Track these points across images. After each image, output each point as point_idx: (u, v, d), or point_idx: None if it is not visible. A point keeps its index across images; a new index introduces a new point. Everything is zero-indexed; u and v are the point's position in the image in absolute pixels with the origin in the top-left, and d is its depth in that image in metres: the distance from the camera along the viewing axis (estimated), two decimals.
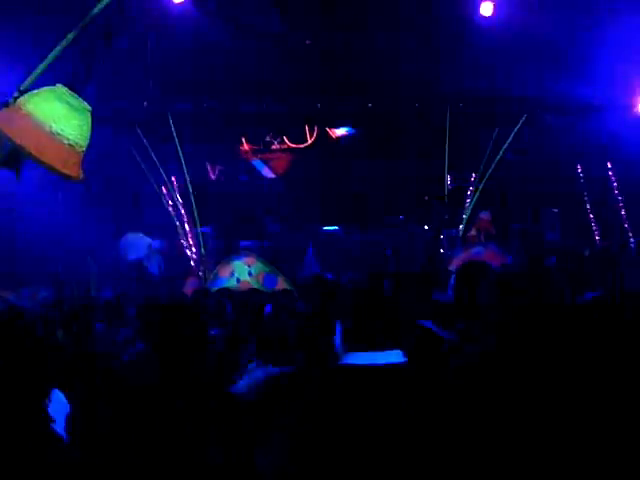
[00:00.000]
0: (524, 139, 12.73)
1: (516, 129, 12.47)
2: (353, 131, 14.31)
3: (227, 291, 7.07)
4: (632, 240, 12.93)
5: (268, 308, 5.59)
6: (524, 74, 11.47)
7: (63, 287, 7.92)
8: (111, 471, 2.56)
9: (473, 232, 12.78)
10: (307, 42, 11.35)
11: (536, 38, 10.83)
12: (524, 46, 10.93)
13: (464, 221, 13.36)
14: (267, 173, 14.60)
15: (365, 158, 13.91)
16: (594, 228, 13.73)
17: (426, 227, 13.85)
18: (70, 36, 3.93)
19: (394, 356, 2.33)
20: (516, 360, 2.57)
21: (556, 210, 13.71)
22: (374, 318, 2.38)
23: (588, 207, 13.87)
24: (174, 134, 11.80)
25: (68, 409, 3.18)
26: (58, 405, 3.16)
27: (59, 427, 3.05)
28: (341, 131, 14.31)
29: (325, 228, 14.16)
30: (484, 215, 12.82)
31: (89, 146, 3.55)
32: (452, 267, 10.22)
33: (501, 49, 10.96)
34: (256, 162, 14.53)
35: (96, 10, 4.00)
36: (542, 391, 2.47)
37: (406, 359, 2.35)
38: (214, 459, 2.57)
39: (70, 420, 3.11)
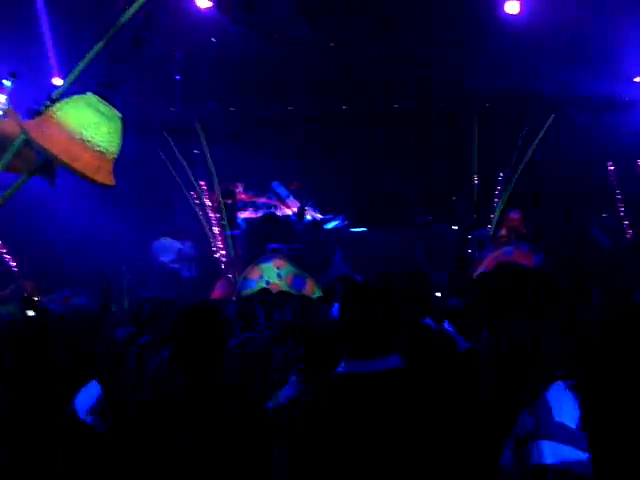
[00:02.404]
0: (553, 137, 12.60)
1: (545, 128, 12.37)
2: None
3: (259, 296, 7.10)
4: None
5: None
6: (552, 72, 11.36)
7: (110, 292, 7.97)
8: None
9: (503, 232, 12.69)
10: (331, 45, 11.36)
11: (563, 35, 10.73)
12: (551, 44, 10.82)
13: (494, 221, 13.26)
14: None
15: (392, 158, 13.87)
16: (625, 226, 13.53)
17: (455, 227, 13.77)
18: (100, 45, 4.00)
19: (391, 361, 2.30)
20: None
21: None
22: (369, 322, 2.34)
23: (620, 205, 13.67)
24: (202, 139, 11.91)
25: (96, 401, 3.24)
26: (88, 396, 3.22)
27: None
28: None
29: (353, 230, 14.15)
30: (514, 214, 12.72)
31: (120, 152, 3.61)
32: (483, 268, 10.17)
33: (528, 47, 10.85)
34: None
35: (124, 19, 4.06)
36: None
37: (404, 364, 2.32)
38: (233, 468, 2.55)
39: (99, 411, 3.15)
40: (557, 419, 1.87)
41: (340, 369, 2.33)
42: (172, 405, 2.56)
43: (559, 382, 1.96)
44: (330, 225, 14.33)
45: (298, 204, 14.29)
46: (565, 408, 1.89)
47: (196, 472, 2.49)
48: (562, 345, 2.66)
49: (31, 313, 6.24)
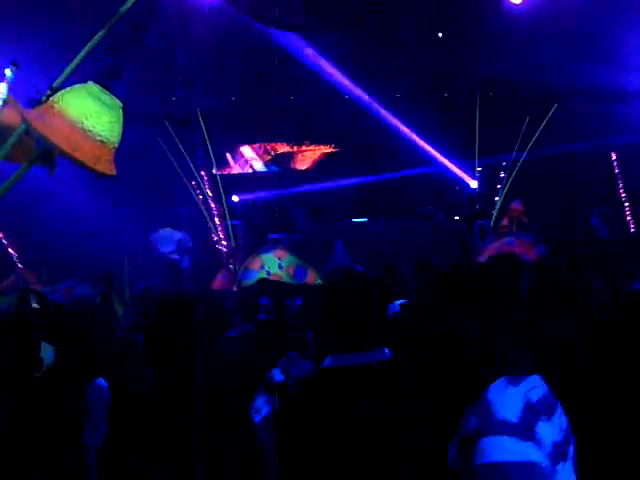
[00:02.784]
0: (556, 126, 12.57)
1: (548, 117, 12.34)
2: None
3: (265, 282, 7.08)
4: None
5: (298, 302, 5.57)
6: (555, 61, 11.32)
7: (112, 282, 7.93)
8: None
9: (505, 222, 12.66)
10: (332, 35, 11.32)
11: (567, 25, 10.69)
12: (555, 33, 10.78)
13: (496, 210, 13.25)
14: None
15: (394, 148, 13.84)
16: (628, 217, 13.50)
17: (457, 218, 13.76)
18: (100, 34, 3.96)
19: (380, 354, 2.28)
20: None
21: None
22: (357, 317, 2.32)
23: (623, 196, 13.65)
24: (203, 129, 11.87)
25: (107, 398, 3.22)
26: (98, 393, 3.20)
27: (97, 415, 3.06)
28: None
29: (354, 220, 14.13)
30: (516, 204, 12.69)
31: (121, 142, 3.59)
32: (483, 258, 10.15)
33: (532, 36, 10.82)
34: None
35: (125, 7, 4.02)
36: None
37: (392, 355, 2.30)
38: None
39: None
40: (498, 416, 1.85)
41: (328, 362, 2.30)
42: (144, 401, 2.49)
43: (501, 379, 1.94)
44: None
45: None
46: (507, 404, 1.87)
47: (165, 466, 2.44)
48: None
49: (35, 305, 6.22)
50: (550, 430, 1.86)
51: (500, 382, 1.94)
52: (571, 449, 1.94)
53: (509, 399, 1.88)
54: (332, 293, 2.41)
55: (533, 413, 1.86)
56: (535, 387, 1.93)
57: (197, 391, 2.58)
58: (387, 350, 2.31)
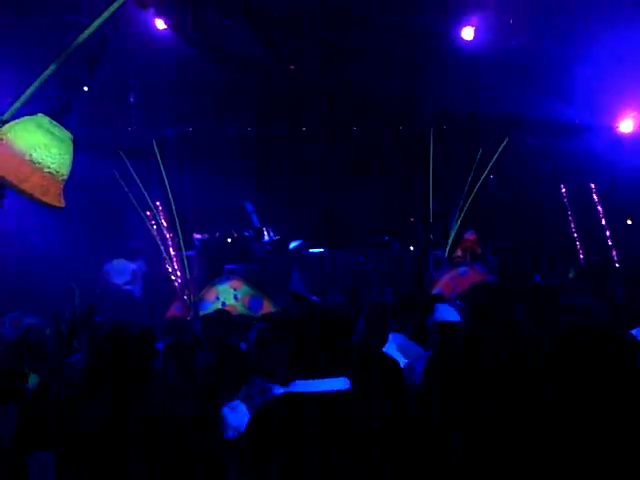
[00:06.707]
0: (508, 160, 12.82)
1: (499, 151, 12.58)
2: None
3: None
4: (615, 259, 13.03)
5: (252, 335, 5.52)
6: (506, 96, 11.60)
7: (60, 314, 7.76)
8: None
9: (459, 252, 12.80)
10: (291, 67, 11.43)
11: (518, 61, 10.99)
12: (506, 69, 11.06)
13: (449, 241, 13.38)
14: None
15: (350, 180, 13.96)
16: (578, 248, 13.79)
17: (411, 248, 13.87)
18: (53, 66, 3.94)
19: (340, 383, 2.31)
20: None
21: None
22: (320, 344, 2.36)
23: (572, 227, 13.95)
24: (159, 159, 11.80)
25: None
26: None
27: None
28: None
29: (310, 250, 14.15)
30: (469, 235, 12.86)
31: (72, 172, 3.56)
32: (438, 288, 10.25)
33: (483, 73, 11.08)
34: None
35: (80, 39, 4.01)
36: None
37: (351, 385, 2.32)
38: None
39: None
40: None
41: (289, 388, 2.32)
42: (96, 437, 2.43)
43: None
44: (292, 245, 14.25)
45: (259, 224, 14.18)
46: None
47: None
48: None
49: None
50: None
51: None
52: None
53: None
54: (297, 323, 2.43)
55: None
56: None
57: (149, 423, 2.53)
58: (347, 380, 2.33)
